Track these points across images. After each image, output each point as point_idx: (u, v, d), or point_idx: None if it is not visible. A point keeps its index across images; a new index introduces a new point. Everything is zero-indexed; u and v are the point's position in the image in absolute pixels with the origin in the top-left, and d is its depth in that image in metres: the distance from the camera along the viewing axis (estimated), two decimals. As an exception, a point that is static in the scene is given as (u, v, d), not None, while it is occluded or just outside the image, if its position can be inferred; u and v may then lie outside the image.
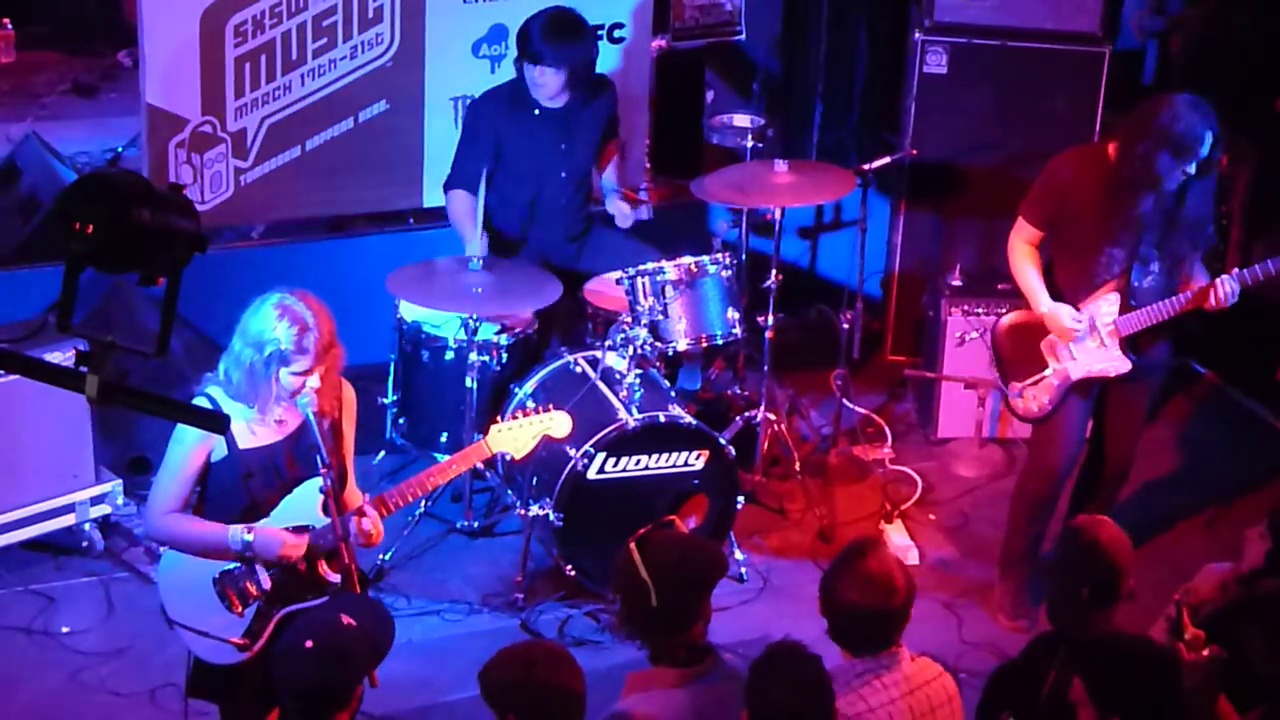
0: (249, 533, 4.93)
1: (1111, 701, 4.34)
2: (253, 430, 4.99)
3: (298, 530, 4.99)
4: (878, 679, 4.56)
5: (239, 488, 4.99)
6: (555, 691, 4.29)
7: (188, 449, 4.95)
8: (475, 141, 7.17)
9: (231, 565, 5.00)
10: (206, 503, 5.06)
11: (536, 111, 7.13)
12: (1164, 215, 6.06)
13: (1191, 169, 5.95)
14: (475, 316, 6.71)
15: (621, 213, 7.30)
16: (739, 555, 6.85)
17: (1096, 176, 6.14)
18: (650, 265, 6.75)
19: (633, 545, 4.69)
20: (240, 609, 5.00)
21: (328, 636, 4.41)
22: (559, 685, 4.29)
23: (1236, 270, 6.11)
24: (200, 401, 4.98)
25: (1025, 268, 6.38)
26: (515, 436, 5.38)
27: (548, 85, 7.02)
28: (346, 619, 4.50)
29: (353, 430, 5.22)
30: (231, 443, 4.96)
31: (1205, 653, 4.60)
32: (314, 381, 4.90)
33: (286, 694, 4.42)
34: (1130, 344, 6.28)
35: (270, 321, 4.86)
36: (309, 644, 4.36)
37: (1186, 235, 6.16)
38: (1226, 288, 6.09)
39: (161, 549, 5.21)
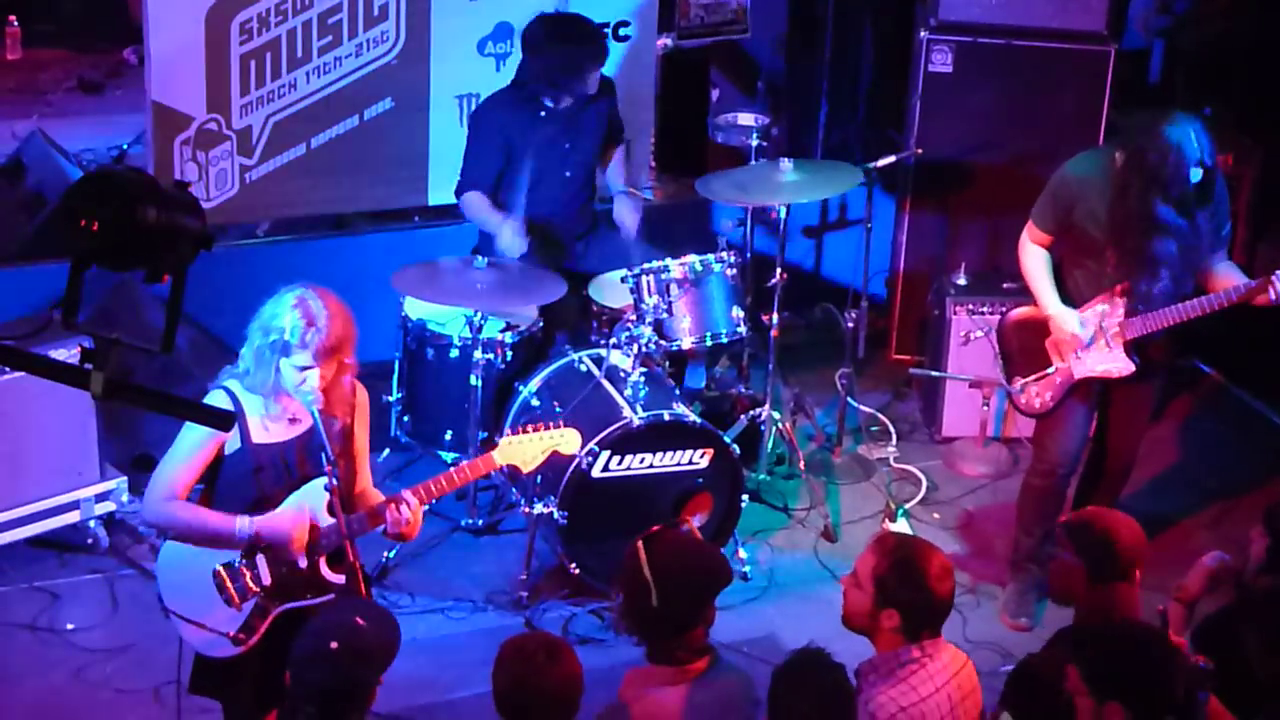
0: (256, 525, 4.92)
1: (1107, 687, 4.34)
2: (266, 425, 4.99)
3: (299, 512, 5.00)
4: (923, 669, 4.60)
5: (249, 480, 4.99)
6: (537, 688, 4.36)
7: (201, 437, 4.94)
8: (485, 146, 7.18)
9: (232, 558, 5.00)
10: (216, 493, 5.06)
11: (542, 114, 7.14)
12: (1170, 235, 6.06)
13: (1178, 203, 5.96)
14: (480, 314, 6.72)
15: (625, 224, 7.30)
16: (743, 554, 6.85)
17: (1104, 186, 6.14)
18: (655, 263, 6.75)
19: (640, 544, 4.68)
20: (238, 603, 5.00)
21: (349, 637, 4.41)
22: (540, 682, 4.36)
23: None
24: (217, 393, 4.98)
25: (1035, 270, 6.40)
26: (524, 450, 5.38)
27: (593, 83, 7.09)
28: (359, 620, 4.51)
29: (366, 433, 5.22)
30: (245, 435, 4.97)
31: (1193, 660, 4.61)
32: (313, 379, 4.89)
33: (306, 697, 4.39)
34: (1136, 345, 6.29)
35: (284, 310, 4.88)
36: (334, 645, 4.36)
37: (1198, 244, 6.14)
38: None
39: (161, 539, 5.20)
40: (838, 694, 4.34)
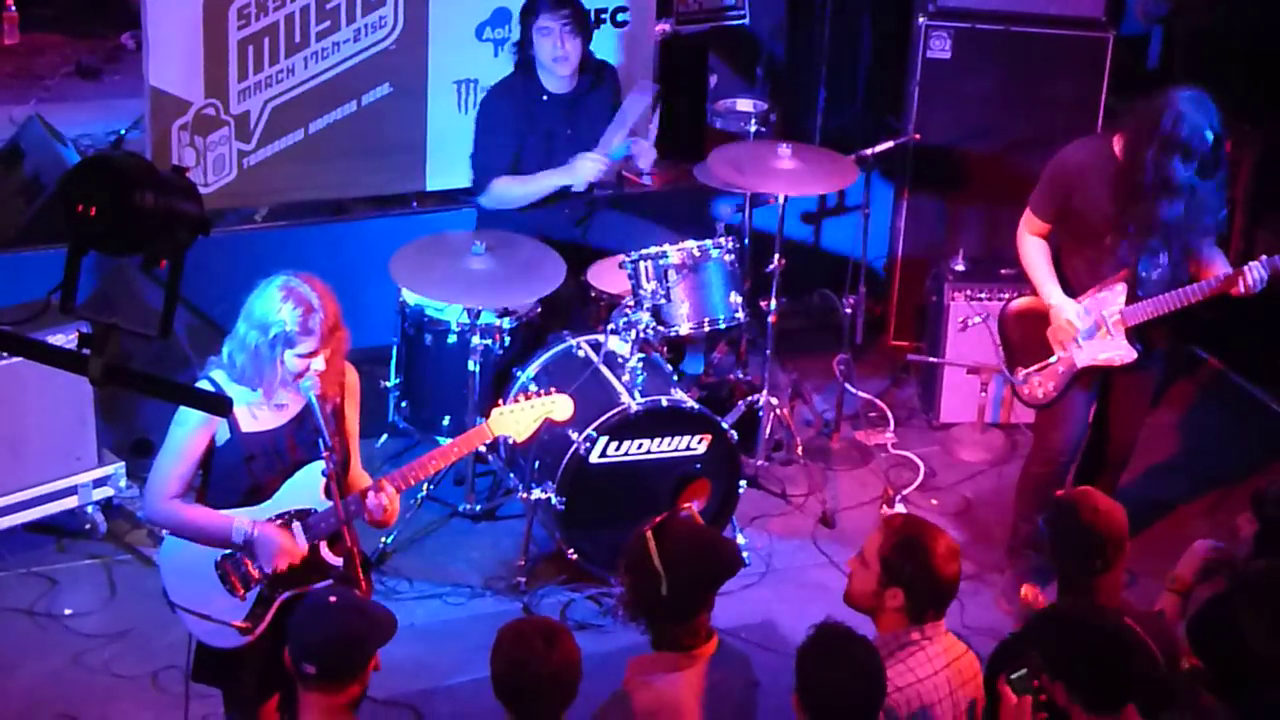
0: (254, 529, 4.93)
1: (1059, 670, 4.35)
2: (255, 414, 4.98)
3: (296, 523, 4.99)
4: (922, 651, 4.63)
5: (241, 470, 4.99)
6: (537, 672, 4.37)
7: (189, 431, 4.95)
8: (497, 134, 7.17)
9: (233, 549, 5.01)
10: (209, 486, 5.06)
11: (544, 98, 7.14)
12: (1179, 197, 6.03)
13: (1197, 165, 5.94)
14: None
15: (644, 152, 7.36)
16: (741, 539, 6.85)
17: (1104, 172, 6.12)
18: (653, 249, 6.75)
19: (649, 533, 4.67)
20: (242, 592, 5.01)
21: (347, 594, 4.46)
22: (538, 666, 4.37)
23: (1265, 257, 6.08)
24: (203, 385, 4.98)
25: (1034, 259, 6.39)
26: (516, 419, 5.37)
27: (568, 54, 7.04)
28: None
29: (356, 413, 5.22)
30: (234, 426, 4.96)
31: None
32: (318, 364, 4.89)
33: (307, 655, 4.38)
34: (1136, 332, 6.29)
35: (275, 303, 4.86)
36: (333, 599, 4.40)
37: (1196, 228, 6.14)
38: (1255, 275, 6.06)
39: (163, 532, 5.21)
40: (871, 659, 4.34)
